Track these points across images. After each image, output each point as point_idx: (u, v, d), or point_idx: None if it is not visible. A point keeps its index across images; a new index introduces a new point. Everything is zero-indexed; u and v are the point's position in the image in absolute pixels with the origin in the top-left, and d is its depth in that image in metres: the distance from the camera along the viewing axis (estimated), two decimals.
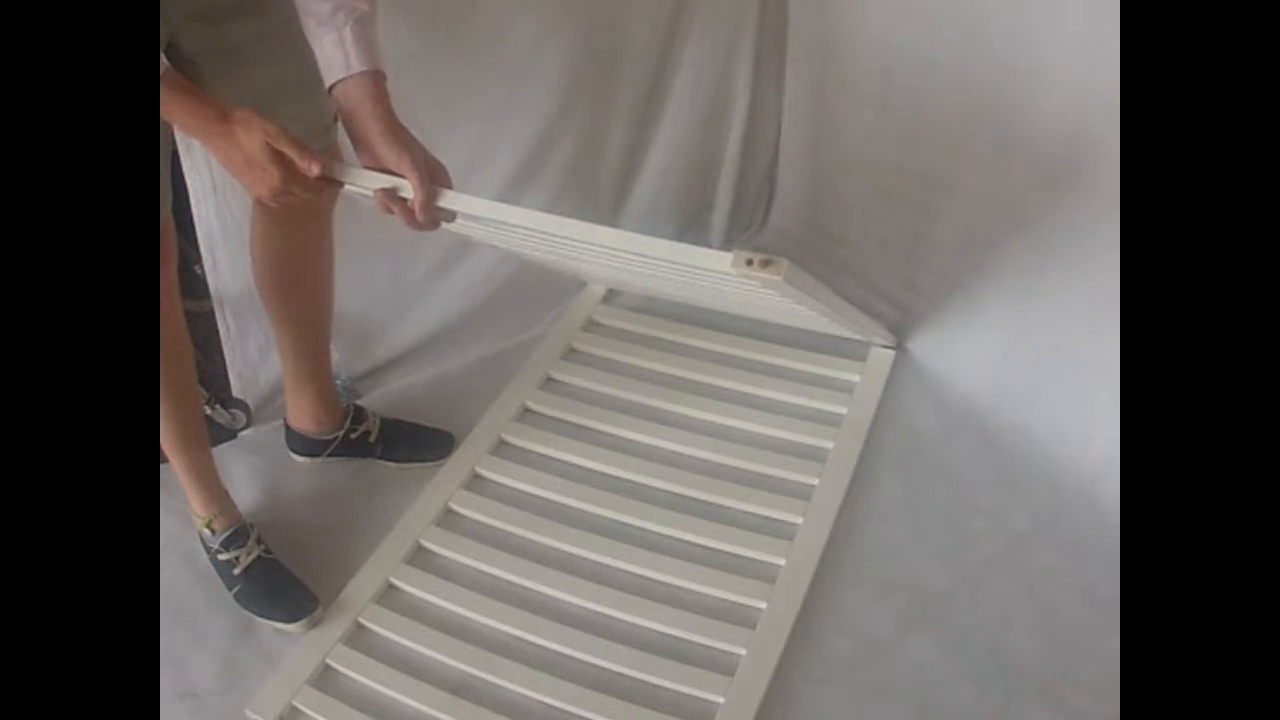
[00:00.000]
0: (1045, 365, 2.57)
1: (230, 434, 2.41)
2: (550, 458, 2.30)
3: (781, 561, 2.14)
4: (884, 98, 2.70)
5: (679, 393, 2.48)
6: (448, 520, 2.23)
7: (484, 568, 2.14)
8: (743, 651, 1.96)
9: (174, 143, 2.11)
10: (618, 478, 2.29)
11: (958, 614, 2.09)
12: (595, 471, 2.30)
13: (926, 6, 2.45)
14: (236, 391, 2.46)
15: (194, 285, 2.44)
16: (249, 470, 2.34)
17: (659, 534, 2.20)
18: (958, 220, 2.64)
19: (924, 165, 2.68)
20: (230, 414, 2.41)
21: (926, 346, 2.79)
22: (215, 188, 2.25)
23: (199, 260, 2.35)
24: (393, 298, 2.60)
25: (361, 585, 2.07)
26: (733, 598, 2.09)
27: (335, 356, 2.45)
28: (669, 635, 2.03)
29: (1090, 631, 2.06)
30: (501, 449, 2.32)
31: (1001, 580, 2.16)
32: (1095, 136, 2.24)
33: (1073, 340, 2.50)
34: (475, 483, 2.29)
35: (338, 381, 2.47)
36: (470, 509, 2.22)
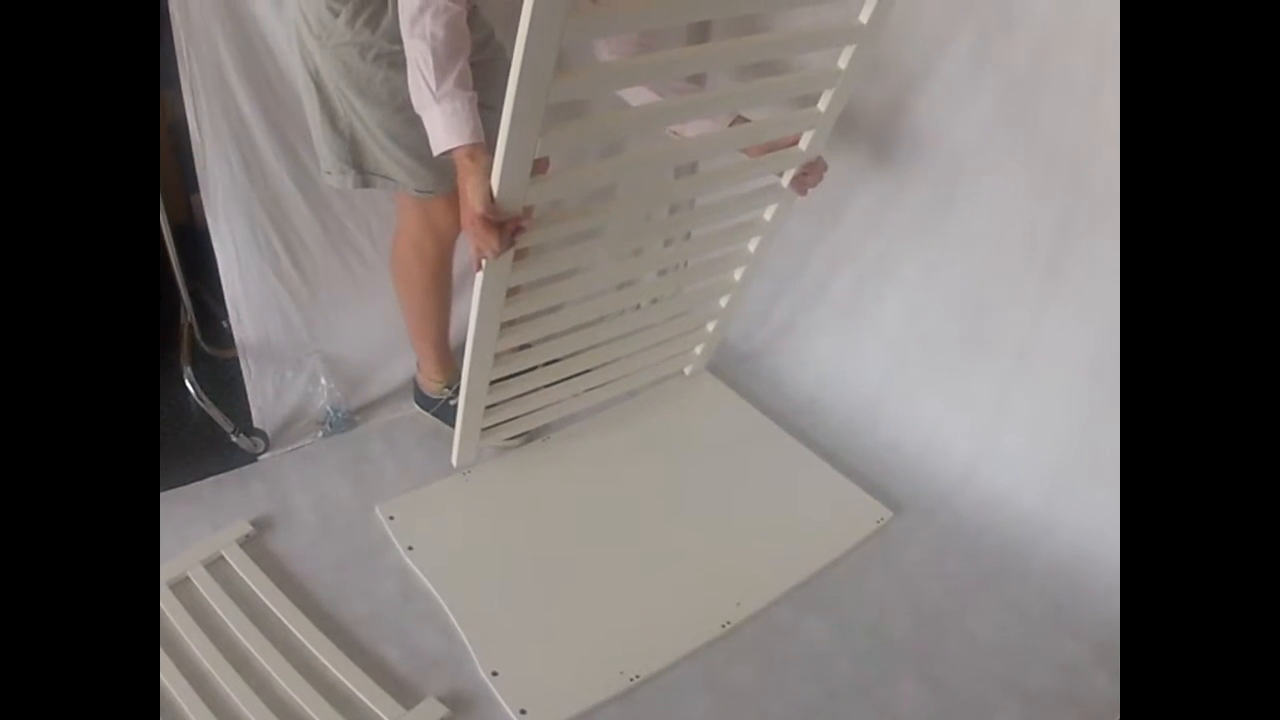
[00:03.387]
0: (920, 377, 2.82)
1: (251, 458, 2.65)
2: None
3: None
4: None
5: None
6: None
7: None
8: None
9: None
10: None
11: (843, 600, 2.37)
12: None
13: None
14: (256, 422, 2.71)
15: (221, 337, 2.78)
16: (266, 487, 2.56)
17: None
18: None
19: None
20: (252, 441, 2.65)
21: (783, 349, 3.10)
22: (239, 258, 2.60)
23: (226, 316, 2.66)
24: (385, 342, 2.88)
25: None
26: None
27: (334, 391, 2.80)
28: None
29: (951, 614, 2.35)
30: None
31: (878, 573, 2.45)
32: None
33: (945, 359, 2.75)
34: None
35: (336, 412, 2.80)
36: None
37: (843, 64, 2.16)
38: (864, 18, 2.06)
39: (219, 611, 2.20)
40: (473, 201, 1.88)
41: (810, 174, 2.40)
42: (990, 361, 2.64)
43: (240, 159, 2.53)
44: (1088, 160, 2.31)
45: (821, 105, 2.26)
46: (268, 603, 2.23)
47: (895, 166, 2.73)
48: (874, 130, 2.74)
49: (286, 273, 2.71)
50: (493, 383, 2.45)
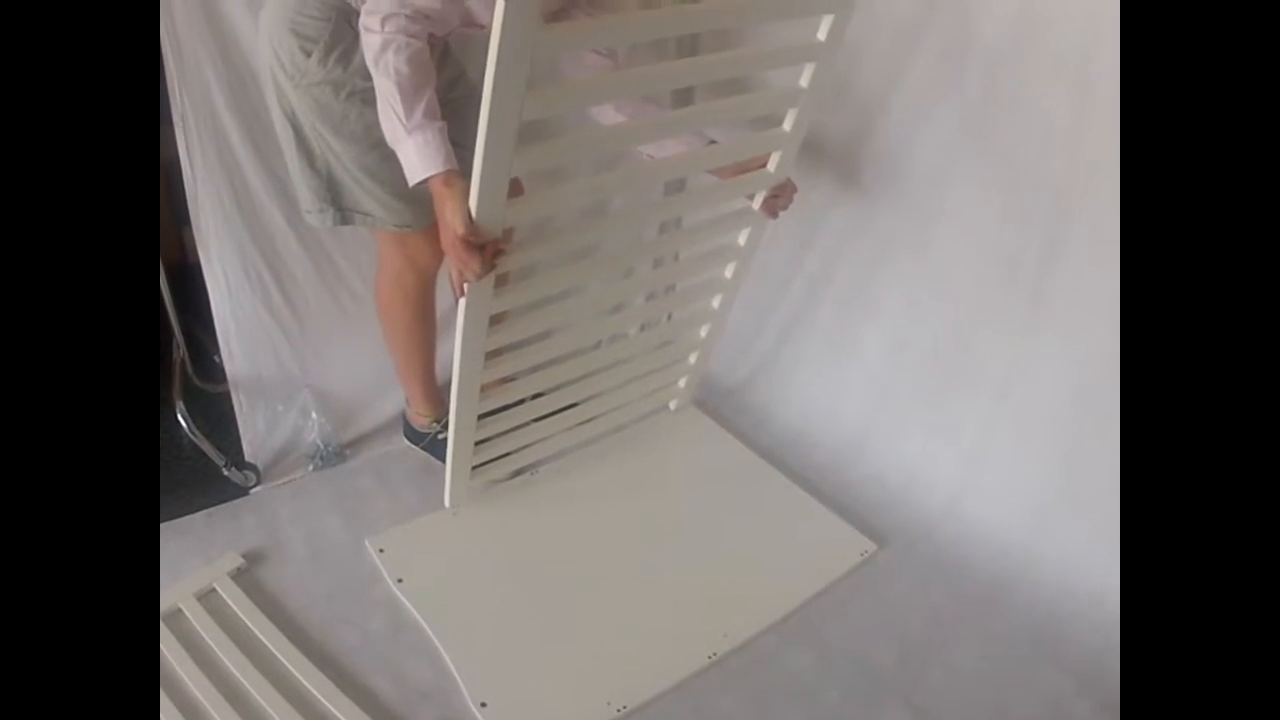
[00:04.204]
0: (903, 410, 2.85)
1: (243, 491, 2.66)
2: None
3: None
4: None
5: None
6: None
7: None
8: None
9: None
10: None
11: (828, 631, 2.39)
12: None
13: None
14: (248, 456, 2.73)
15: (213, 372, 2.81)
16: (258, 520, 2.58)
17: None
18: None
19: None
20: (243, 474, 2.67)
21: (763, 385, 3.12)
22: (230, 294, 2.63)
23: (217, 351, 2.69)
24: (375, 377, 2.90)
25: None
26: None
27: (325, 425, 2.82)
28: None
29: (935, 644, 2.37)
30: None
31: (862, 605, 2.47)
32: None
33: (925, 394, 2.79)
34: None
35: (327, 446, 2.81)
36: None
37: (804, 83, 2.20)
38: (821, 36, 2.11)
39: (211, 643, 2.21)
40: (453, 224, 1.92)
41: (780, 196, 2.44)
42: (973, 394, 2.67)
43: (232, 195, 2.56)
44: (1068, 190, 2.34)
45: (786, 125, 2.30)
46: (259, 634, 2.25)
47: (878, 204, 2.78)
48: (856, 167, 2.79)
49: (278, 308, 2.74)
50: (481, 417, 2.47)
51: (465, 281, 2.01)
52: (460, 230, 1.91)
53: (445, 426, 2.48)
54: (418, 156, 1.93)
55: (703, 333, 2.85)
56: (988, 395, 2.64)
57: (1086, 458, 2.44)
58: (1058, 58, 2.26)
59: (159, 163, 2.44)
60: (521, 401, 2.60)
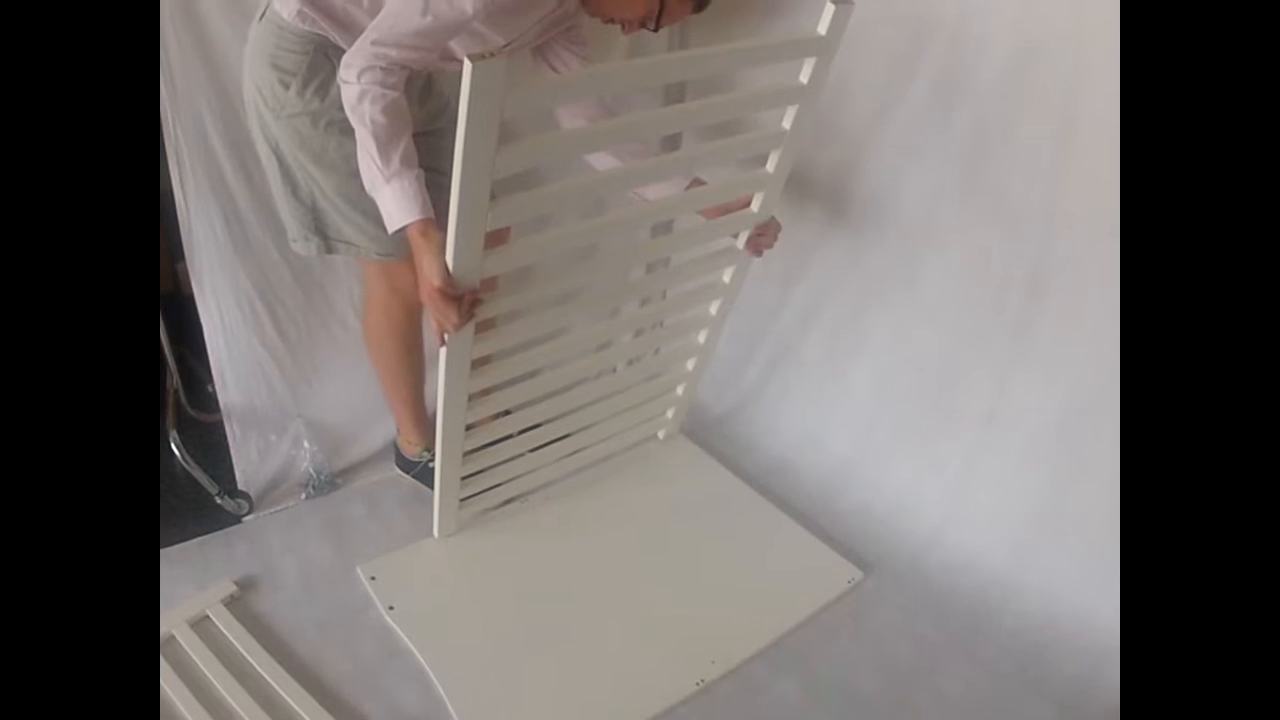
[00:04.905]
0: (890, 440, 2.88)
1: (236, 519, 2.68)
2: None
3: None
4: None
5: None
6: None
7: None
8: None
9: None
10: None
11: (815, 658, 2.41)
12: None
13: None
14: (241, 485, 2.75)
15: (207, 402, 2.82)
16: (251, 548, 2.60)
17: None
18: None
19: None
20: (236, 503, 2.69)
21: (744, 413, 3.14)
22: (224, 325, 2.65)
23: (211, 381, 2.70)
24: (366, 407, 2.93)
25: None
26: None
27: (317, 454, 2.84)
28: None
29: (920, 672, 2.39)
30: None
31: (848, 633, 2.49)
32: None
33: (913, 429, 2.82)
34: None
35: (319, 475, 2.84)
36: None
37: (787, 124, 2.23)
38: (804, 78, 2.15)
39: (204, 670, 2.22)
40: (430, 275, 1.95)
41: (765, 235, 2.47)
42: (959, 425, 2.70)
43: (225, 227, 2.59)
44: (1054, 225, 2.37)
45: (770, 166, 2.33)
46: (252, 661, 2.27)
47: (866, 238, 2.81)
48: (845, 201, 2.82)
49: (270, 339, 2.76)
50: (467, 453, 2.50)
51: (445, 331, 2.05)
52: (437, 282, 1.95)
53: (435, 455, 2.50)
54: (394, 204, 1.97)
55: (689, 366, 2.88)
56: (973, 426, 2.66)
57: (1071, 488, 2.46)
58: (1046, 94, 2.29)
59: (159, 196, 2.45)
60: (509, 436, 2.63)
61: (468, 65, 1.61)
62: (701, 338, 2.79)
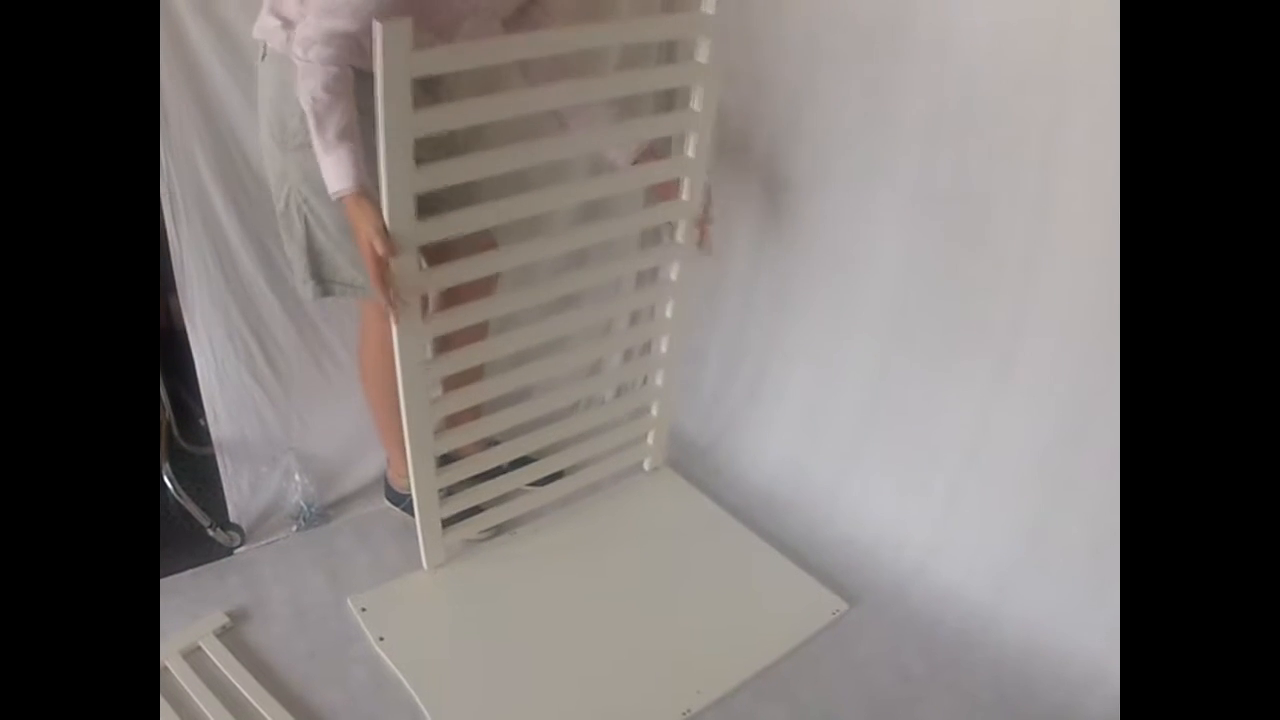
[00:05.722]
0: (875, 473, 2.89)
1: (227, 551, 2.71)
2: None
3: None
4: None
5: None
6: None
7: None
8: None
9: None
10: None
11: (800, 688, 2.42)
12: None
13: None
14: (233, 517, 2.78)
15: (199, 435, 2.85)
16: (242, 580, 2.63)
17: None
18: None
19: None
20: (228, 535, 2.72)
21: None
22: (215, 359, 2.69)
23: (203, 415, 2.74)
24: (356, 440, 2.96)
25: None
26: None
27: (308, 486, 2.87)
28: None
29: (904, 702, 2.41)
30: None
31: (833, 663, 2.49)
32: None
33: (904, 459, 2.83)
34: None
35: (310, 507, 2.86)
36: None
37: (696, 106, 2.34)
38: (701, 59, 2.26)
39: (197, 700, 2.24)
40: (367, 238, 2.05)
41: (703, 225, 2.55)
42: (942, 457, 2.71)
43: (217, 262, 2.62)
44: (1035, 260, 2.39)
45: (690, 150, 2.42)
46: (244, 691, 2.28)
47: (850, 270, 2.83)
48: (828, 233, 2.85)
49: (262, 373, 2.79)
50: (441, 460, 2.54)
51: (391, 302, 2.13)
52: (379, 247, 2.04)
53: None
54: (332, 174, 2.05)
55: (659, 380, 2.92)
56: (957, 459, 2.68)
57: (1052, 519, 2.47)
58: (1027, 129, 2.31)
59: (160, 234, 2.48)
60: (484, 443, 2.69)
61: (378, 28, 1.74)
62: (664, 346, 2.84)
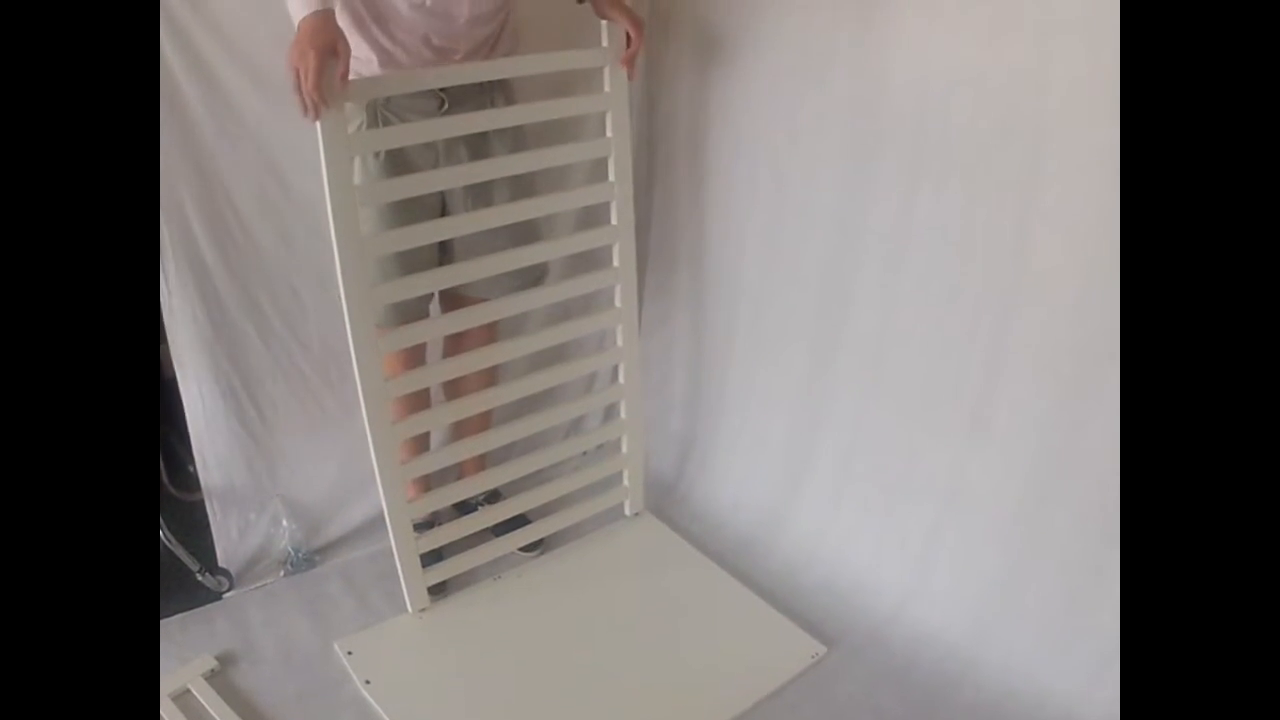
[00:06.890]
0: (853, 518, 2.92)
1: (216, 596, 2.74)
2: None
3: None
4: None
5: None
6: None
7: None
8: None
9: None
10: None
11: None
12: None
13: None
14: (221, 562, 2.81)
15: (188, 481, 2.88)
16: (231, 624, 2.66)
17: None
18: None
19: None
20: (217, 579, 2.75)
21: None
22: (204, 406, 2.73)
23: (192, 461, 2.78)
24: (344, 485, 2.99)
25: None
26: None
27: (295, 532, 2.90)
28: None
29: None
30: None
31: (812, 706, 2.52)
32: None
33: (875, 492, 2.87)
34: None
35: (297, 552, 2.90)
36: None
37: (610, 133, 2.56)
38: (607, 87, 2.50)
39: None
40: (305, 54, 2.04)
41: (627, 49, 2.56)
42: (920, 504, 2.74)
43: (205, 310, 2.66)
44: (1012, 308, 2.41)
45: (611, 175, 2.62)
46: None
47: (827, 319, 2.87)
48: (807, 282, 2.89)
49: (250, 420, 2.83)
50: (415, 481, 2.63)
51: (310, 96, 2.08)
52: (310, 76, 2.04)
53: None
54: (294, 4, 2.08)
55: (622, 411, 2.98)
56: (934, 505, 2.71)
57: (1028, 565, 2.50)
58: (1003, 181, 2.35)
59: (160, 288, 2.52)
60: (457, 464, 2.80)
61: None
62: (621, 375, 2.91)
